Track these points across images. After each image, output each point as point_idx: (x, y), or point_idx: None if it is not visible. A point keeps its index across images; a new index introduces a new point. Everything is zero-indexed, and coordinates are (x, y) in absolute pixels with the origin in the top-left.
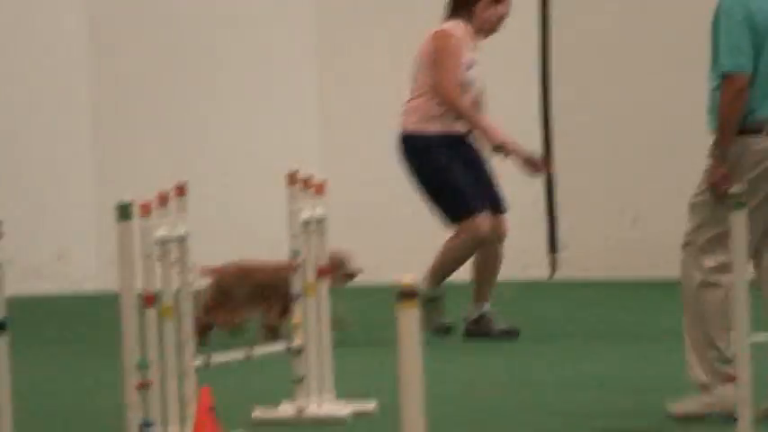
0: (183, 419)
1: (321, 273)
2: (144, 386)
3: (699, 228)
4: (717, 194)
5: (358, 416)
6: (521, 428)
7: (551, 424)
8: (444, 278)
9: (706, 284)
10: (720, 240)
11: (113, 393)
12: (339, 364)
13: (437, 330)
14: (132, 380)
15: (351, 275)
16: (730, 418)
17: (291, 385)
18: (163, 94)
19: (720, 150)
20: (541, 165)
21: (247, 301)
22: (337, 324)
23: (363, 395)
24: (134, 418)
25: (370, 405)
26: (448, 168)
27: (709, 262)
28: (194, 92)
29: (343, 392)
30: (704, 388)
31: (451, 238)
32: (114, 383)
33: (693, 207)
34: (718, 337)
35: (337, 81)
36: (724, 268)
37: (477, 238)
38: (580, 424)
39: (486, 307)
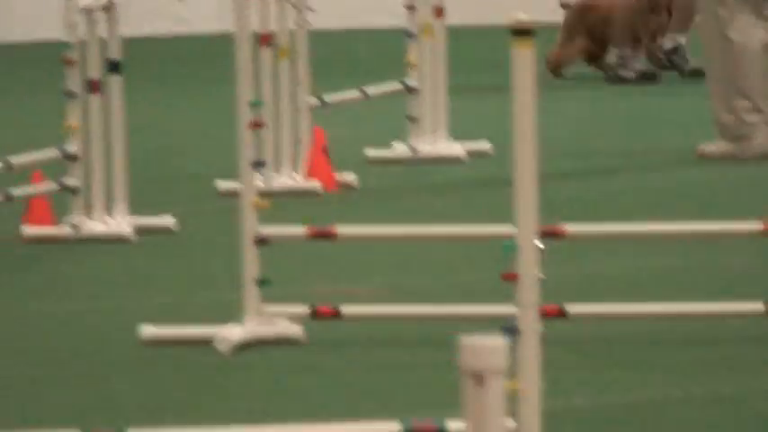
0: (295, 160)
1: (438, 13)
2: (257, 125)
3: None
4: None
5: (472, 155)
6: (630, 167)
7: (661, 158)
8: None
9: (725, 37)
10: None
11: (228, 132)
12: (455, 106)
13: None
14: (245, 119)
15: None
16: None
17: (406, 125)
18: None
19: None
20: None
21: (585, 36)
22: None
23: (478, 136)
24: (246, 158)
25: (485, 145)
26: None
27: (724, 13)
28: None
29: (459, 134)
30: (727, 132)
31: None
32: (229, 123)
33: None
34: (746, 87)
35: None
36: (737, 21)
37: None
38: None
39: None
